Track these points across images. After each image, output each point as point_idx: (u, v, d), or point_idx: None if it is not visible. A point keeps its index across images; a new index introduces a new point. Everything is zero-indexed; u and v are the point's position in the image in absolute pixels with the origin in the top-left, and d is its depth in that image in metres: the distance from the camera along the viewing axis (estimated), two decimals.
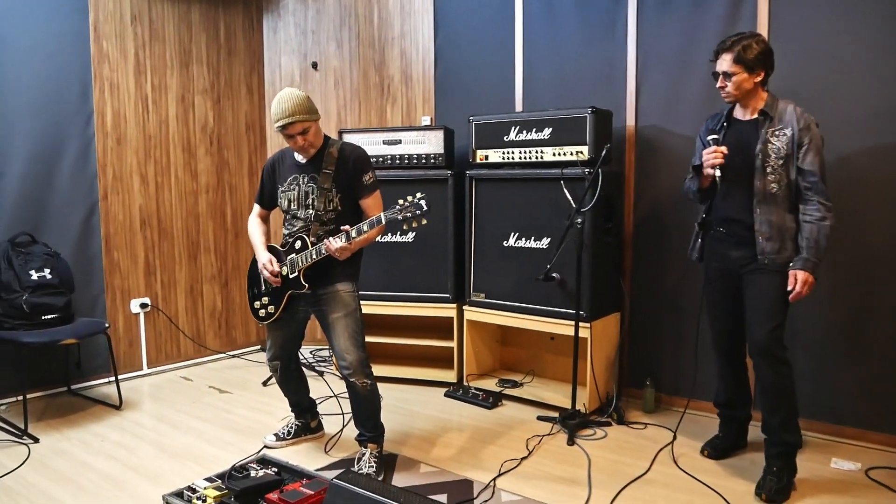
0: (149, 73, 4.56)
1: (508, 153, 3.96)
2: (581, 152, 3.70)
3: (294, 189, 2.98)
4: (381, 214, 2.70)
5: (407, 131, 4.30)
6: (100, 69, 4.30)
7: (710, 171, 2.84)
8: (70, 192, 4.19)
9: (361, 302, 3.05)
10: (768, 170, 2.79)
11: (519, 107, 4.37)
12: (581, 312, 3.61)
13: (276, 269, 2.94)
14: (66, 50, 4.14)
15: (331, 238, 2.75)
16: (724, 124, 2.96)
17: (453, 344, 4.29)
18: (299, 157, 3.00)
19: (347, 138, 4.23)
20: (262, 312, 3.08)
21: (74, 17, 4.17)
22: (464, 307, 4.19)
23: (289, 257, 2.95)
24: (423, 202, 2.64)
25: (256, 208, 3.22)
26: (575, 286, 3.60)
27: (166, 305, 4.73)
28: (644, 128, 3.94)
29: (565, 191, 3.69)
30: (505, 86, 4.43)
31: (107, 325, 3.87)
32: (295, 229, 2.97)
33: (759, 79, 2.81)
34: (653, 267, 3.96)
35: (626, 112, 3.97)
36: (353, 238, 2.73)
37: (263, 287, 3.07)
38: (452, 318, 4.26)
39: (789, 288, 2.78)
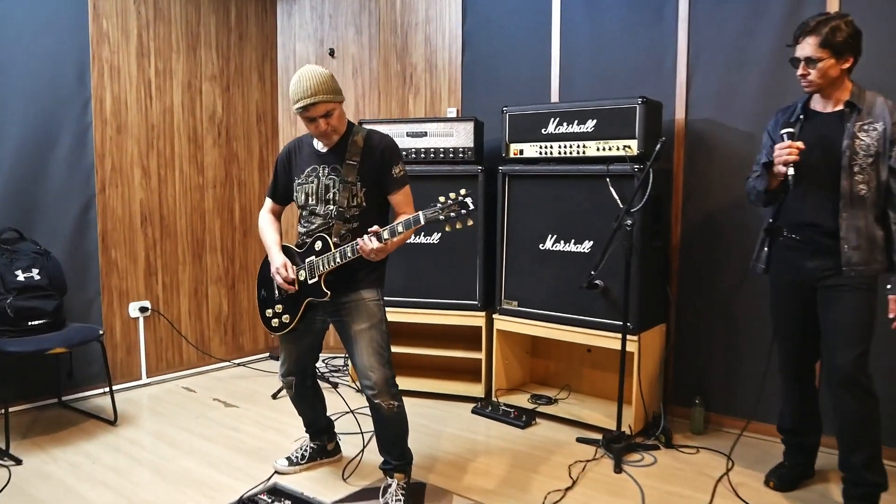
0: (152, 57, 4.20)
1: (546, 147, 3.60)
2: (629, 147, 3.33)
3: (313, 181, 2.62)
4: (420, 214, 2.33)
5: (433, 123, 3.94)
6: (99, 50, 3.94)
7: (782, 168, 2.48)
8: (64, 184, 3.83)
9: None
10: (856, 169, 2.44)
11: (555, 98, 4.01)
12: (628, 324, 3.24)
13: (292, 275, 2.59)
14: (62, 29, 3.79)
15: (365, 237, 2.39)
16: (801, 117, 2.60)
17: (481, 355, 3.92)
18: (319, 146, 2.65)
19: None
20: (275, 322, 2.71)
21: None
22: (494, 316, 3.83)
23: (307, 260, 2.59)
24: (468, 200, 2.28)
25: (268, 203, 2.86)
26: (621, 295, 3.26)
27: (168, 309, 4.37)
28: (695, 122, 3.57)
29: (611, 189, 3.32)
30: (540, 75, 4.07)
31: (101, 332, 3.50)
32: (313, 227, 2.61)
33: (846, 66, 2.46)
34: (702, 273, 3.59)
35: (675, 104, 3.61)
36: (388, 240, 2.37)
37: (277, 293, 2.71)
38: (481, 327, 3.90)
39: (890, 315, 2.44)
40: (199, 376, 4.47)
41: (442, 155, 3.91)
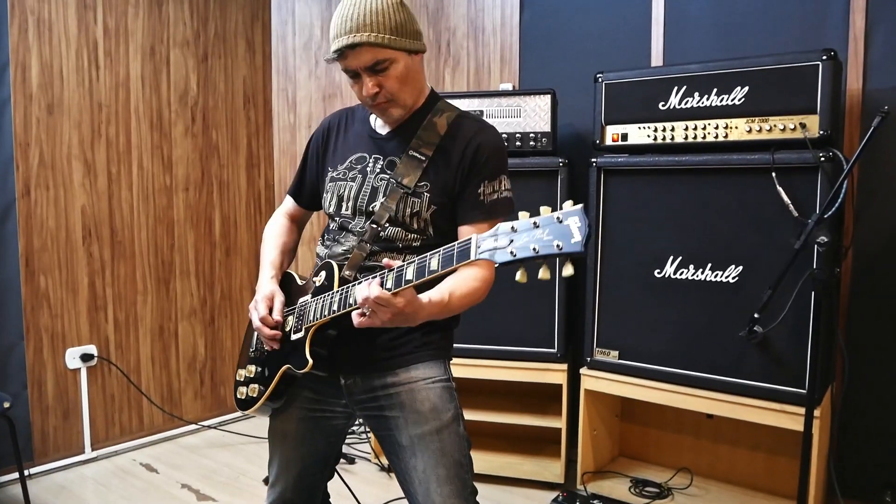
0: (100, 10, 3.06)
1: (665, 129, 2.48)
2: (804, 124, 2.23)
3: (355, 178, 1.54)
4: (473, 241, 1.15)
5: (492, 98, 2.84)
6: None
7: None
8: None
9: None
10: None
11: (657, 61, 2.90)
12: (813, 393, 2.13)
13: (275, 316, 1.51)
14: None
15: (370, 279, 1.28)
16: None
17: (560, 423, 2.80)
18: (378, 124, 1.58)
19: None
20: (241, 391, 1.62)
21: None
22: (581, 371, 2.70)
23: (300, 300, 1.51)
24: (573, 223, 1.04)
25: (287, 203, 1.78)
26: (788, 346, 2.25)
27: (122, 356, 3.21)
28: (878, 92, 2.48)
29: (779, 189, 2.21)
30: (633, 32, 2.95)
31: (6, 403, 2.33)
32: (338, 252, 1.52)
33: None
34: (884, 311, 2.49)
35: (846, 66, 2.51)
36: (392, 291, 1.25)
37: (253, 344, 1.64)
38: (561, 385, 2.77)
39: None
40: (164, 445, 3.31)
41: (506, 143, 2.78)
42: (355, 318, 1.27)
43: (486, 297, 1.47)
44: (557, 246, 1.04)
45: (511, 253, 1.08)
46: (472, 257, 1.14)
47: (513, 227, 1.09)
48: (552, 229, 1.05)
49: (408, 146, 1.49)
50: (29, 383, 2.89)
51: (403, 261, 1.32)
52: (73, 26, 2.98)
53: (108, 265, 3.14)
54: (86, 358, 3.07)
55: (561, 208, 1.07)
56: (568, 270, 1.05)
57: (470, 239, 1.15)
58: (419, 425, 1.46)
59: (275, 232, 1.73)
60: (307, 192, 1.72)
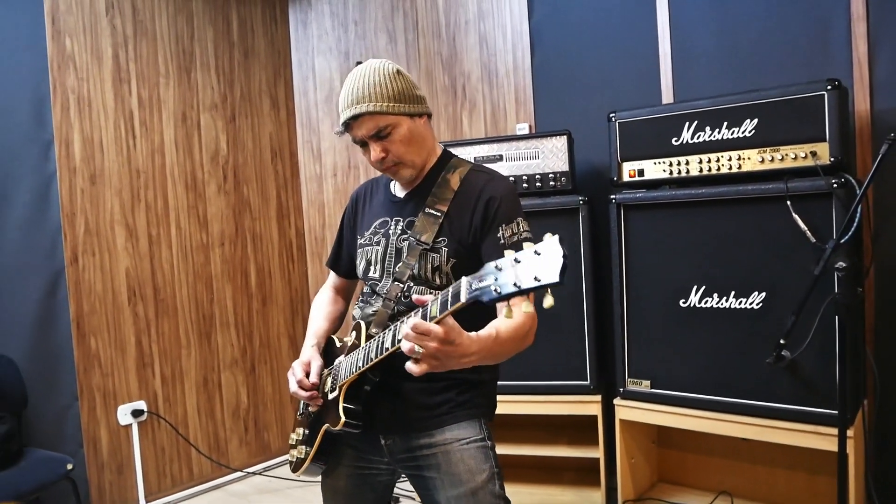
0: (134, 83, 3.24)
1: (680, 164, 2.57)
2: (815, 152, 2.30)
3: (379, 242, 1.64)
4: (463, 283, 1.19)
5: (511, 142, 2.94)
6: (61, 77, 2.99)
7: None
8: (20, 255, 2.87)
9: None
10: None
11: (667, 97, 2.99)
12: (844, 414, 2.17)
13: (312, 380, 1.60)
14: (11, 51, 2.85)
15: (414, 316, 1.31)
16: None
17: (598, 453, 2.85)
18: (397, 188, 1.69)
19: None
20: (291, 454, 1.74)
21: (22, 5, 2.88)
22: (615, 402, 2.76)
23: (337, 361, 1.62)
24: (550, 256, 1.07)
25: (330, 278, 1.91)
26: (817, 369, 2.28)
27: (170, 409, 3.34)
28: (886, 112, 2.54)
29: (795, 217, 2.28)
30: (643, 70, 3.06)
31: (69, 465, 2.47)
32: (366, 314, 1.63)
33: None
34: None
35: (852, 90, 2.58)
36: (436, 319, 1.24)
37: (301, 408, 1.75)
38: (596, 416, 2.83)
39: None
40: (213, 493, 3.42)
41: (526, 185, 2.89)
42: (411, 368, 1.26)
43: (534, 333, 1.46)
44: (536, 279, 1.07)
45: (495, 291, 1.12)
46: (463, 300, 1.17)
47: (497, 266, 1.14)
48: (532, 263, 1.09)
49: (424, 205, 1.58)
50: (84, 442, 3.02)
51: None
52: (111, 100, 3.15)
53: (152, 323, 3.28)
54: (136, 414, 3.20)
55: (547, 238, 1.11)
56: (548, 301, 1.08)
57: (461, 281, 1.19)
58: (455, 487, 1.51)
59: (319, 303, 1.85)
60: (344, 262, 1.82)
